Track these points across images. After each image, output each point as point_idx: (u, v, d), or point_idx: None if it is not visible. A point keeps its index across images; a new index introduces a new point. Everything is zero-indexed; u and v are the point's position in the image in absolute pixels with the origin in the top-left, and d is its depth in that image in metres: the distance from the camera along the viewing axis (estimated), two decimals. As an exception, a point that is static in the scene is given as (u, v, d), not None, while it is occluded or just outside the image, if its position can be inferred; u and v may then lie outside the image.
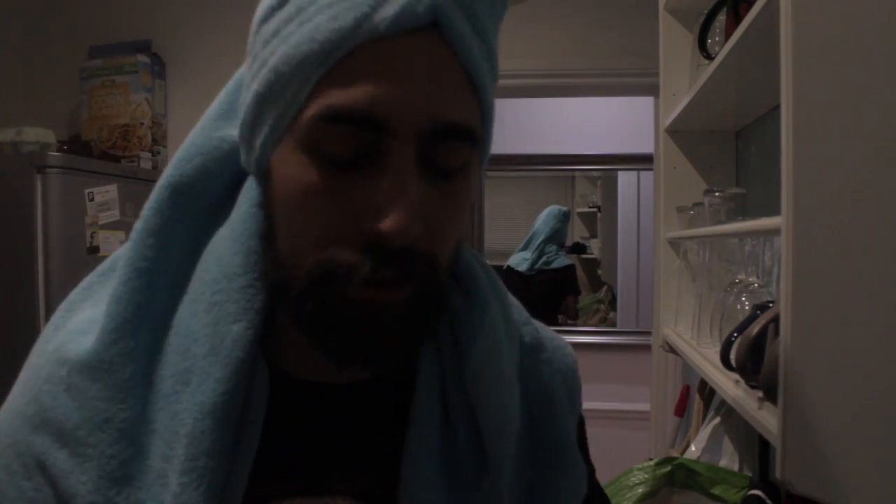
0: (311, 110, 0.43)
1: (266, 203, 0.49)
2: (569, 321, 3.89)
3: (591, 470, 0.63)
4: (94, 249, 1.94)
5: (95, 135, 2.37)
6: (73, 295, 0.56)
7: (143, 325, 0.49)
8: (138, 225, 0.51)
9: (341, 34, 0.42)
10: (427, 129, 0.43)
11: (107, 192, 2.01)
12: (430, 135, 0.43)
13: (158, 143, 2.44)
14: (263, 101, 0.46)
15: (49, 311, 1.79)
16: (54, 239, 1.86)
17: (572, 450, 0.57)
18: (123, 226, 2.04)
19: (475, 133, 0.46)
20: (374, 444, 0.53)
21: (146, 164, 2.37)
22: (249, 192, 0.50)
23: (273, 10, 0.46)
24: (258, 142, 0.47)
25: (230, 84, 0.56)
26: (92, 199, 1.97)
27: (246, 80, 0.49)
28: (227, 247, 0.50)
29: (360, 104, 0.42)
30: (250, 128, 0.48)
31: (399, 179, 0.43)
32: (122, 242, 2.00)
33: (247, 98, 0.48)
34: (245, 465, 0.48)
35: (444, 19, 0.43)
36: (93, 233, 1.95)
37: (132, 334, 0.49)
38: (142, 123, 2.37)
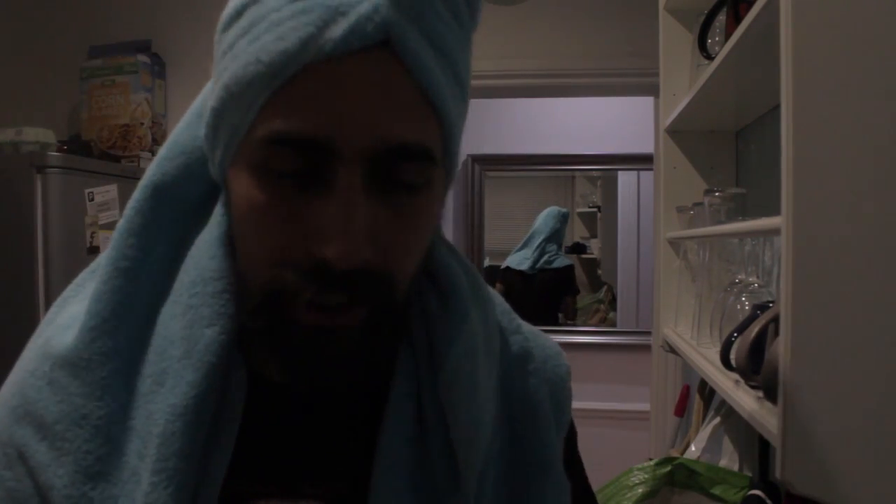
0: (259, 132, 0.43)
1: (228, 213, 0.49)
2: (568, 321, 3.89)
3: (583, 483, 0.62)
4: (94, 249, 1.94)
5: (95, 135, 2.37)
6: (67, 291, 0.56)
7: (123, 323, 0.50)
8: (120, 224, 0.52)
9: (286, 56, 0.41)
10: (374, 151, 0.42)
11: (107, 192, 2.01)
12: (378, 156, 0.42)
13: (158, 143, 2.44)
14: (218, 117, 0.46)
15: (49, 311, 1.79)
16: (54, 239, 1.86)
17: (555, 465, 0.56)
18: (123, 226, 2.04)
19: (430, 152, 0.44)
20: (349, 449, 0.53)
21: (146, 164, 2.35)
22: (225, 195, 0.51)
23: (232, 21, 0.45)
24: (217, 154, 0.48)
25: (210, 82, 0.55)
26: (92, 199, 1.97)
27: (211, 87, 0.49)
28: (205, 250, 0.50)
29: (304, 128, 0.41)
30: (210, 141, 0.48)
31: (345, 203, 0.42)
32: (122, 242, 2.01)
33: (206, 112, 0.48)
34: (220, 466, 0.48)
35: (395, 36, 0.41)
36: (93, 233, 1.95)
37: (111, 333, 0.49)
38: (142, 123, 2.37)
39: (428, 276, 0.53)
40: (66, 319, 0.53)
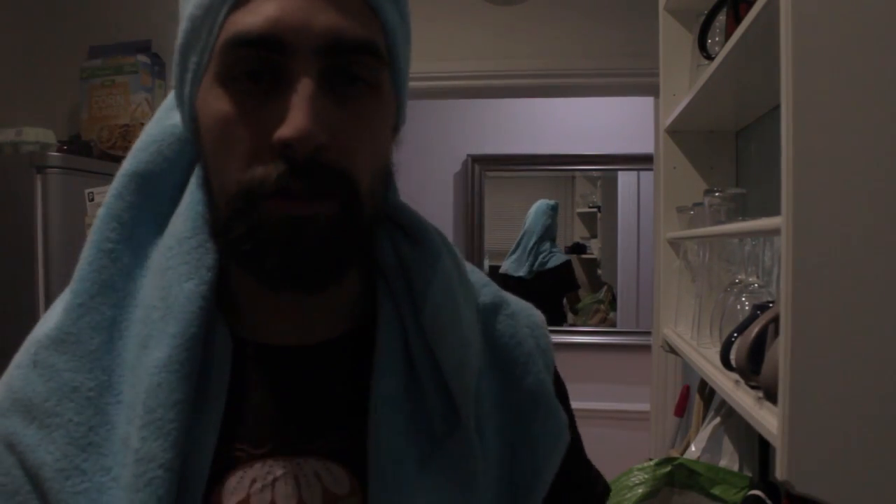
0: (220, 40, 0.47)
1: (200, 153, 0.51)
2: (573, 318, 3.87)
3: (570, 419, 0.62)
4: (94, 249, 1.94)
5: (95, 135, 2.37)
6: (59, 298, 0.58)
7: (108, 300, 0.52)
8: (101, 211, 0.54)
9: None
10: (325, 46, 0.46)
11: (107, 193, 2.01)
12: (328, 50, 0.46)
13: (158, 143, 2.44)
14: (185, 50, 0.50)
15: (49, 311, 1.79)
16: (54, 239, 1.86)
17: (550, 398, 0.57)
18: (123, 226, 2.04)
19: (376, 47, 0.48)
20: (342, 402, 0.54)
21: (146, 164, 2.37)
22: (197, 172, 0.53)
23: None
24: (186, 91, 0.50)
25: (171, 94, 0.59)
26: (92, 199, 1.97)
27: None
28: (181, 222, 0.52)
29: (260, 26, 0.45)
30: (179, 81, 0.51)
31: (300, 92, 0.45)
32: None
33: (175, 56, 0.51)
34: (212, 422, 0.49)
35: None
36: (93, 233, 1.95)
37: (98, 309, 0.51)
38: (142, 123, 2.36)
39: (398, 227, 0.57)
40: (49, 313, 0.55)
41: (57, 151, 2.02)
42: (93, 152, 2.34)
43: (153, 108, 2.39)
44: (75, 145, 2.31)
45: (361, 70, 0.48)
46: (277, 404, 0.53)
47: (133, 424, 0.48)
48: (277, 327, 0.54)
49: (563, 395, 0.62)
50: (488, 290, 0.60)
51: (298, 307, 0.54)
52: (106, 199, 0.54)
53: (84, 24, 2.53)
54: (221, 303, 0.52)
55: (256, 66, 0.46)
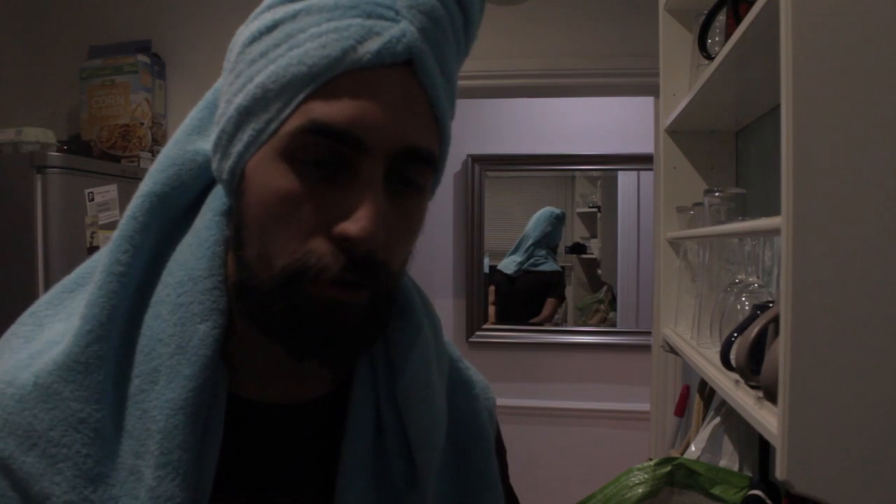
0: (294, 122, 0.48)
1: (235, 210, 0.52)
2: (546, 324, 3.78)
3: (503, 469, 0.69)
4: (94, 249, 1.94)
5: (95, 135, 2.37)
6: (39, 308, 0.57)
7: (115, 328, 0.51)
8: (116, 233, 0.54)
9: (328, 61, 0.47)
10: (396, 151, 0.48)
11: (107, 192, 2.01)
12: (398, 155, 0.49)
13: (158, 143, 2.44)
14: (247, 113, 0.50)
15: (49, 311, 1.79)
16: (54, 239, 1.86)
17: (496, 483, 0.62)
18: (123, 226, 2.04)
19: (435, 156, 0.52)
20: (314, 459, 0.57)
21: (146, 165, 2.37)
22: (214, 201, 0.54)
23: (261, 34, 0.50)
24: (236, 149, 0.51)
25: (201, 103, 0.59)
26: (92, 199, 1.97)
27: (225, 93, 0.53)
28: (192, 252, 0.53)
29: (341, 120, 0.47)
30: (230, 136, 0.51)
31: (368, 189, 0.48)
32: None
33: (227, 110, 0.51)
34: (212, 457, 0.51)
35: (417, 59, 0.48)
36: (93, 233, 1.95)
37: (106, 337, 0.51)
38: (142, 123, 2.37)
39: None
40: (53, 336, 0.53)
41: (57, 151, 2.02)
42: (93, 152, 2.34)
43: (153, 107, 2.40)
44: (75, 145, 2.32)
45: (417, 176, 0.51)
46: (254, 458, 0.55)
47: (143, 460, 0.48)
48: (268, 383, 0.57)
49: (501, 450, 0.69)
50: (459, 366, 0.66)
51: (293, 368, 0.56)
52: (121, 222, 0.54)
53: (84, 24, 2.53)
54: (224, 345, 0.53)
55: (328, 156, 0.48)
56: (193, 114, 0.59)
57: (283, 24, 0.49)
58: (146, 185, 0.55)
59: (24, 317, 0.57)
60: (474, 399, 0.65)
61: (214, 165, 0.54)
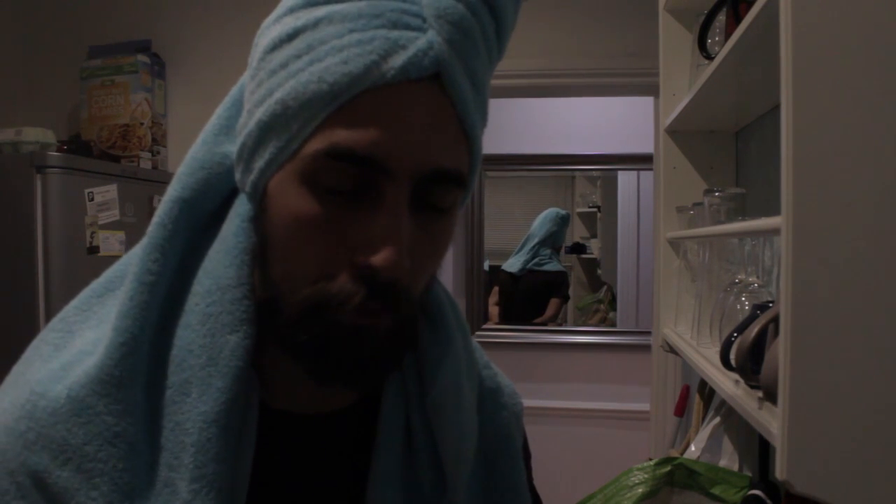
0: (315, 144, 0.45)
1: (259, 222, 0.50)
2: (549, 324, 3.81)
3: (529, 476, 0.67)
4: (94, 249, 1.94)
5: (95, 135, 2.37)
6: (68, 314, 0.56)
7: (146, 339, 0.50)
8: (145, 240, 0.52)
9: (350, 78, 0.44)
10: (422, 174, 0.46)
11: (107, 192, 2.01)
12: (424, 178, 0.46)
13: (158, 142, 2.44)
14: (267, 129, 0.48)
15: (49, 311, 1.79)
16: (54, 239, 1.86)
17: (523, 490, 0.61)
18: (123, 226, 2.04)
19: (464, 178, 0.49)
20: (344, 469, 0.56)
21: (146, 164, 2.37)
22: (240, 206, 0.52)
23: (281, 42, 0.48)
24: (257, 165, 0.49)
25: (227, 100, 0.57)
26: (92, 199, 1.97)
27: (247, 100, 0.51)
28: (220, 260, 0.51)
29: (363, 145, 0.44)
30: (251, 151, 0.49)
31: (393, 217, 0.45)
32: (121, 242, 2.01)
33: (249, 123, 0.49)
34: (245, 469, 0.50)
35: (445, 72, 0.45)
36: (93, 233, 1.95)
37: (139, 349, 0.49)
38: (142, 123, 2.37)
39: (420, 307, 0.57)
40: (84, 345, 0.52)
41: (57, 151, 2.02)
42: (92, 152, 2.34)
43: (153, 107, 2.40)
44: (75, 145, 2.32)
45: (445, 196, 0.48)
46: (286, 468, 0.55)
47: (177, 473, 0.47)
48: (296, 392, 0.56)
49: (527, 456, 0.68)
50: (488, 373, 0.64)
51: None
52: (149, 229, 0.52)
53: (84, 24, 2.53)
54: (255, 356, 0.52)
55: (350, 182, 0.45)
56: (220, 112, 0.56)
57: (303, 33, 0.47)
58: (175, 190, 0.53)
59: (54, 322, 0.55)
60: (503, 407, 0.63)
61: (238, 176, 0.52)
